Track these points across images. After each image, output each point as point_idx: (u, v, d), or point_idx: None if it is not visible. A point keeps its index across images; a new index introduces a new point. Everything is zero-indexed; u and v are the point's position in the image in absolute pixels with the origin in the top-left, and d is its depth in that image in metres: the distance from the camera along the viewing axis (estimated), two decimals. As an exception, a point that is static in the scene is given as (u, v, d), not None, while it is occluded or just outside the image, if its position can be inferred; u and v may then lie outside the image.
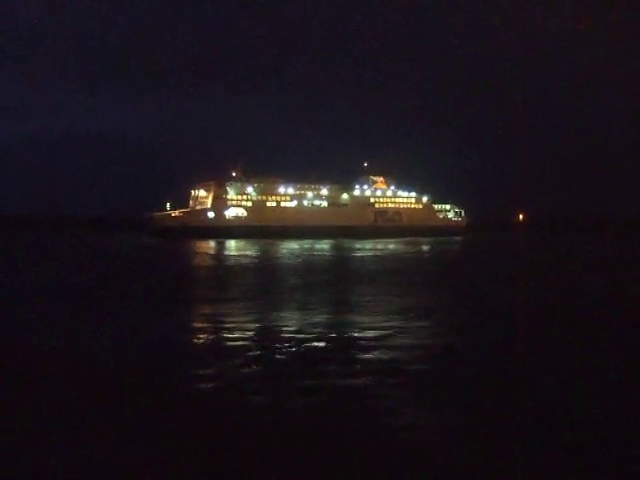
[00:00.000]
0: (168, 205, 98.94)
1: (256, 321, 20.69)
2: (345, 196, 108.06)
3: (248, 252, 62.47)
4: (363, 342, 17.21)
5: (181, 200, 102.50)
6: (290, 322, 20.43)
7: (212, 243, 79.13)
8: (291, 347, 16.53)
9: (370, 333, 18.42)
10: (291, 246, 72.49)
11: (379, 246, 74.16)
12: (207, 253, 63.15)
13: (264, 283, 33.86)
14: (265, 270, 43.55)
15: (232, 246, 74.58)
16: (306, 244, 76.69)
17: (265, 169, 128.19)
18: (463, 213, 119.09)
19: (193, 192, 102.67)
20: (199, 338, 18.39)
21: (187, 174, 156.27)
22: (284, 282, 33.87)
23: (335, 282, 34.10)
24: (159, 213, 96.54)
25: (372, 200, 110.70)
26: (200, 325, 20.77)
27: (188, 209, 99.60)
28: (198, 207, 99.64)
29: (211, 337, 18.51)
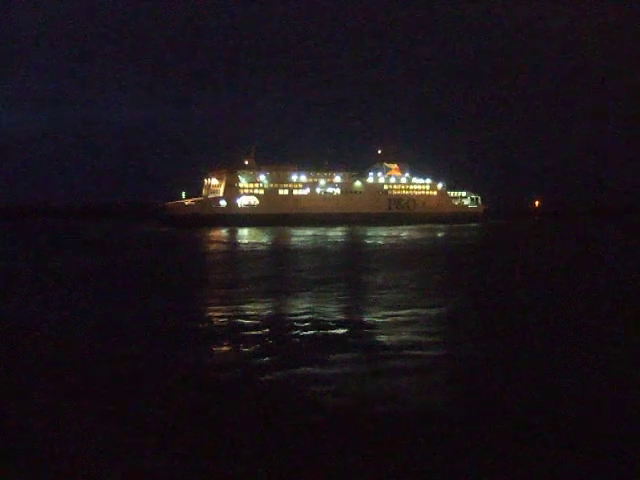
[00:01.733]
0: (183, 194, 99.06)
1: (274, 316, 20.25)
2: (358, 183, 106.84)
3: (260, 240, 61.99)
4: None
5: (196, 189, 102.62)
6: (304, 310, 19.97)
7: (224, 232, 78.72)
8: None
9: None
10: (304, 234, 71.84)
11: (393, 233, 73.30)
12: (219, 242, 62.74)
13: (277, 273, 33.35)
14: (279, 259, 43.04)
15: (244, 234, 74.14)
16: (319, 232, 75.97)
17: (277, 157, 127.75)
18: (480, 200, 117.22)
19: (206, 181, 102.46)
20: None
21: (201, 163, 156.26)
22: (298, 272, 33.35)
23: (347, 276, 33.46)
24: (172, 202, 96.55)
25: (386, 187, 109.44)
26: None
27: (201, 198, 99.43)
28: (211, 196, 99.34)
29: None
